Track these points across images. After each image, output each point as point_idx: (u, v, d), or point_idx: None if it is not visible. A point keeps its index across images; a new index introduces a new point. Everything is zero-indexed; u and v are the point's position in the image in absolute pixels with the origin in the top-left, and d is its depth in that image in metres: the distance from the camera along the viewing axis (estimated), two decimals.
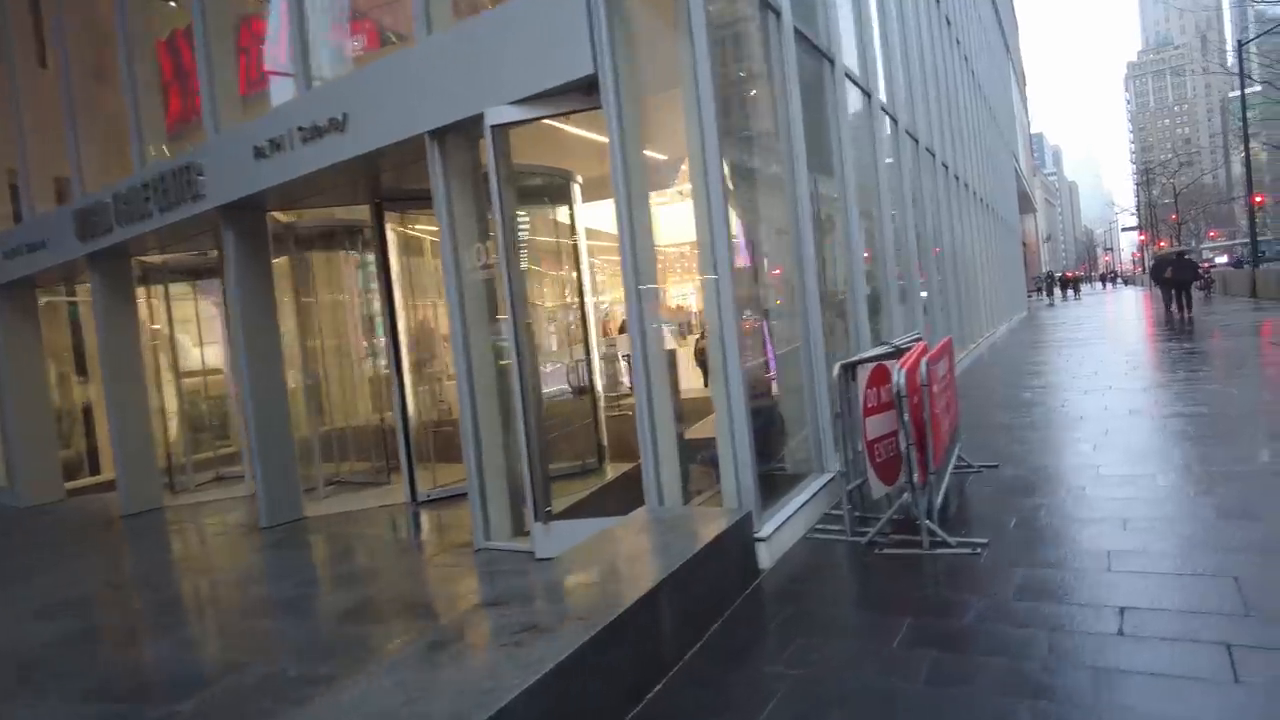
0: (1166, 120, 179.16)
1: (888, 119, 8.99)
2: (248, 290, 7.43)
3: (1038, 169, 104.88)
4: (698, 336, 12.75)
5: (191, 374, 11.01)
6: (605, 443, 7.99)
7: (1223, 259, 77.52)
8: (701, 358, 8.87)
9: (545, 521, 5.14)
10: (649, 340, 4.69)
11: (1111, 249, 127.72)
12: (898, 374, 4.32)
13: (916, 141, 10.48)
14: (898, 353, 5.59)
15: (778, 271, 5.94)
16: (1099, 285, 67.56)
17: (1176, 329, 16.30)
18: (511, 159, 5.33)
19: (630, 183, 4.65)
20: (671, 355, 6.19)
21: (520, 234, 7.38)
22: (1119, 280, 69.26)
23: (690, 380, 9.38)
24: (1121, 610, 3.27)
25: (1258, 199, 33.20)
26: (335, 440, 9.52)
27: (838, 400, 4.80)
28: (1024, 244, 53.82)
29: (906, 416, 4.28)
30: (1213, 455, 5.55)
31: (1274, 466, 5.08)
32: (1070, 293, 43.55)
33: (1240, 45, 24.21)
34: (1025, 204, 45.87)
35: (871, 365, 4.93)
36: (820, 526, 5.00)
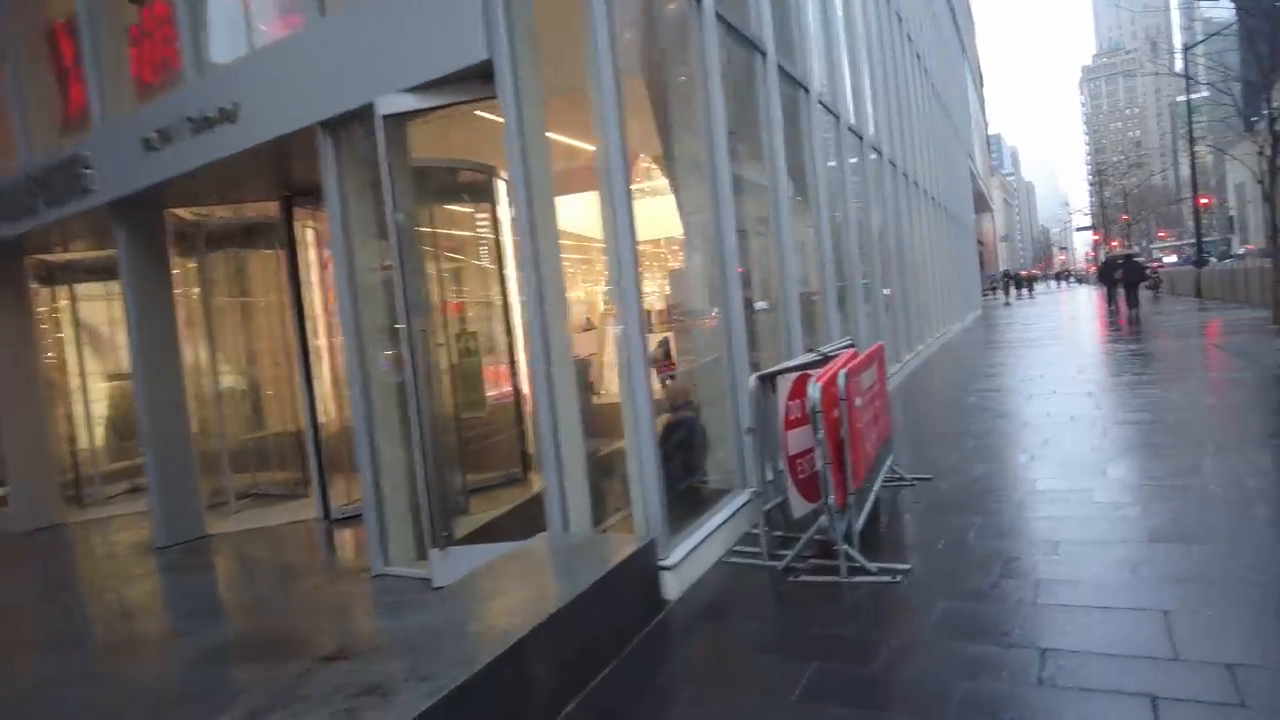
0: (1119, 123, 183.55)
1: (829, 115, 8.71)
2: (142, 291, 6.89)
3: (996, 169, 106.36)
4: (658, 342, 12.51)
5: (111, 378, 10.38)
6: (531, 451, 7.60)
7: (1172, 258, 79.51)
8: (658, 363, 8.42)
9: (443, 547, 4.73)
10: (551, 346, 4.30)
11: (1066, 248, 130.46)
12: (813, 388, 3.99)
13: (861, 139, 10.22)
14: (825, 361, 5.29)
15: (704, 272, 5.60)
16: (1054, 284, 68.77)
17: (1124, 330, 16.35)
18: (409, 151, 4.91)
19: (530, 179, 4.26)
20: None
21: (431, 232, 7.00)
22: (1072, 279, 70.57)
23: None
24: (1044, 653, 2.96)
25: (1203, 201, 33.84)
26: (254, 449, 9.00)
27: (753, 414, 4.45)
28: (981, 243, 54.37)
29: (821, 434, 3.95)
30: (1150, 468, 5.33)
31: (1209, 482, 4.85)
32: (1025, 291, 44.02)
33: (1186, 49, 24.52)
34: (981, 203, 46.29)
35: (794, 375, 4.60)
36: (739, 548, 4.66)
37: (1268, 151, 13.04)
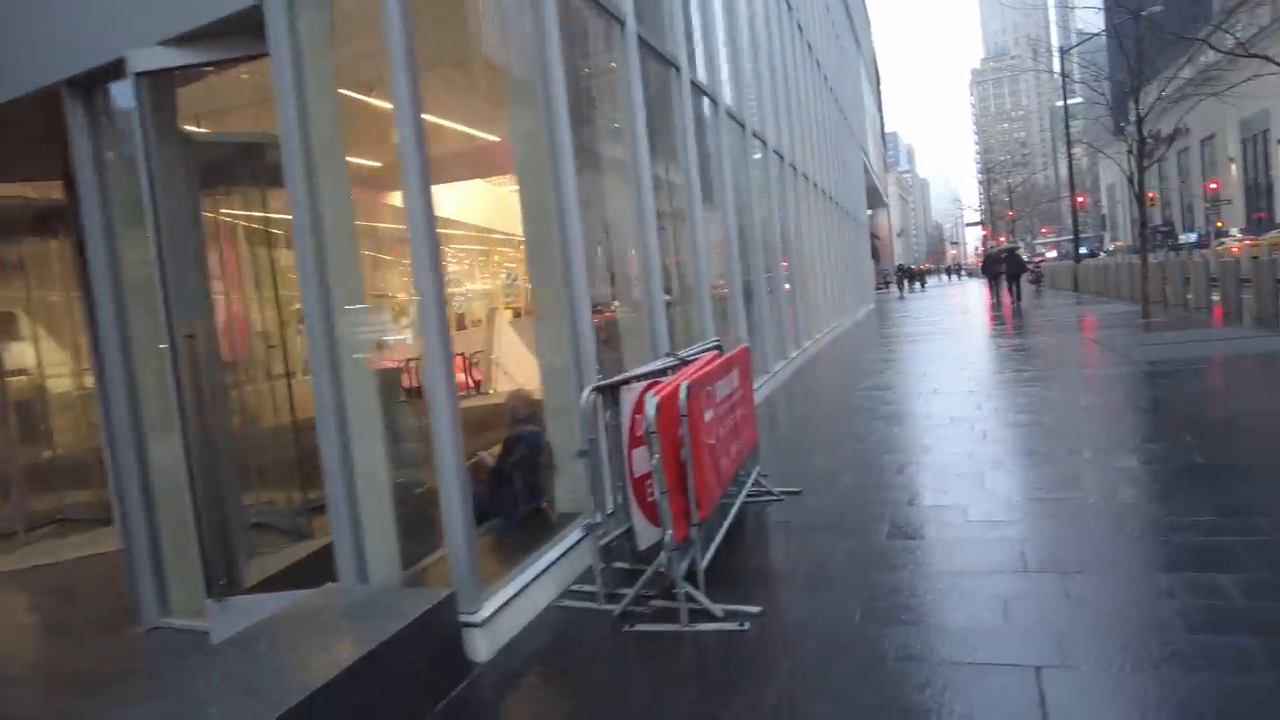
0: (1005, 124, 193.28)
1: (704, 98, 8.18)
2: None
3: (892, 166, 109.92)
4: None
5: None
6: None
7: (1052, 253, 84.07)
8: None
9: (219, 597, 3.92)
10: (340, 352, 3.56)
11: (958, 243, 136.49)
12: (649, 403, 3.39)
13: (744, 127, 9.77)
14: (682, 367, 4.72)
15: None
16: (945, 277, 71.62)
17: (1007, 324, 16.63)
18: (176, 116, 4.06)
19: (312, 150, 3.50)
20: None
21: (263, 216, 6.09)
22: (962, 272, 73.51)
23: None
24: None
25: (1080, 199, 35.49)
26: (62, 468, 7.84)
27: (586, 433, 3.82)
28: (878, 238, 55.75)
29: (658, 457, 3.35)
30: (1028, 478, 5.00)
31: (1086, 494, 4.53)
32: (917, 285, 45.00)
33: (1062, 52, 25.42)
34: (876, 199, 47.39)
35: (641, 385, 4.00)
36: (578, 587, 4.03)
37: (1136, 151, 13.37)
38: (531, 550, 4.09)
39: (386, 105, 3.46)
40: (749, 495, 5.07)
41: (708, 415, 3.90)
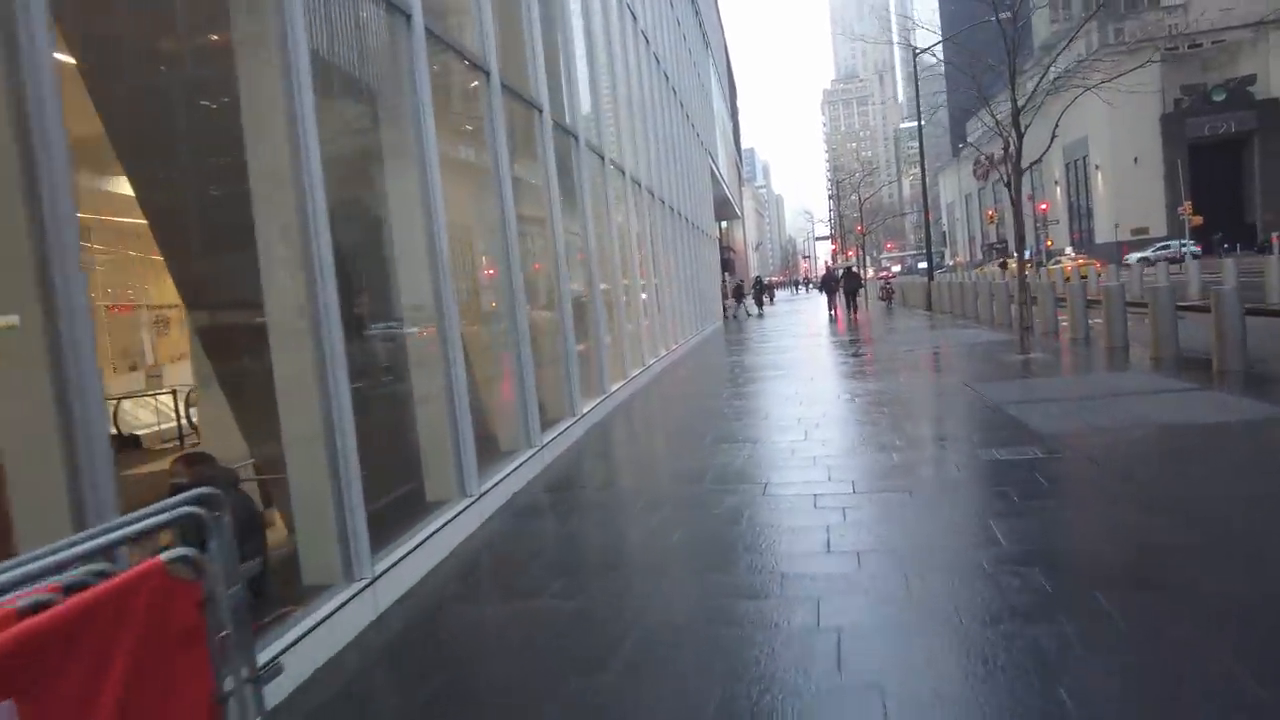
0: (853, 144, 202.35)
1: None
2: None
3: (748, 180, 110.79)
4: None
5: None
6: None
7: (897, 268, 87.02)
8: None
9: None
10: None
11: (809, 256, 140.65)
12: None
13: (487, 73, 6.40)
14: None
15: None
16: (794, 290, 73.09)
17: (860, 355, 14.18)
18: None
19: None
20: None
21: None
22: (809, 285, 75.08)
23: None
24: None
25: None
26: None
27: None
28: (734, 250, 54.19)
29: None
30: None
31: None
32: (765, 299, 42.36)
33: (915, 55, 23.91)
34: (730, 211, 45.63)
35: None
36: None
37: (1015, 150, 11.26)
38: None
39: None
40: None
41: None
